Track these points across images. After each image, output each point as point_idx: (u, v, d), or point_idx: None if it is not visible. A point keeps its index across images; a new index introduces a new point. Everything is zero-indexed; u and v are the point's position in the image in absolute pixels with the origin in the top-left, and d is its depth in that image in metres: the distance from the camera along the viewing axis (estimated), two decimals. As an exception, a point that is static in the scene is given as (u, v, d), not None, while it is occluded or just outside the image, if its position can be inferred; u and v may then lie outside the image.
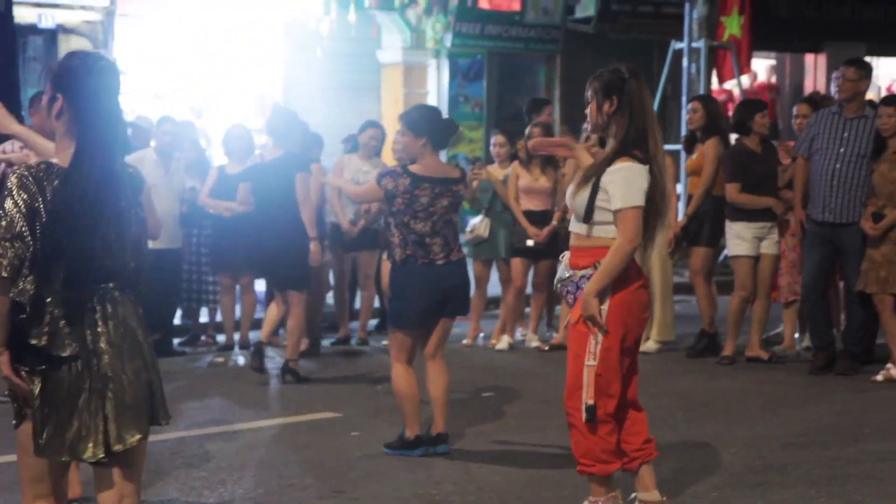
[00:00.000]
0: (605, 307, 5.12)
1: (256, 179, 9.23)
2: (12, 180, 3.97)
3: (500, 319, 10.97)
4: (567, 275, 5.28)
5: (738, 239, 9.73)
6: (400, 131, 6.92)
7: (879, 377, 8.94)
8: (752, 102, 10.54)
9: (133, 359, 4.10)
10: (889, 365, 8.98)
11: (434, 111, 6.99)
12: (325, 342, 11.11)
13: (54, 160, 4.05)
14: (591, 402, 5.11)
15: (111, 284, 4.08)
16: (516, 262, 10.63)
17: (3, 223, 3.93)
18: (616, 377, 5.17)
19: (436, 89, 19.01)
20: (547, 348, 10.59)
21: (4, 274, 3.91)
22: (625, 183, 5.06)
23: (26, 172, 3.99)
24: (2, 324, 3.94)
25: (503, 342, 10.72)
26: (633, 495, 5.42)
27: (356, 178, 10.57)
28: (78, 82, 4.05)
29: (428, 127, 6.77)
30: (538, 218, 10.53)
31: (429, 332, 6.85)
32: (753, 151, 9.74)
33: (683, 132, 11.96)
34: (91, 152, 4.03)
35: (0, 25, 11.82)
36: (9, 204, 3.94)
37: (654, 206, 5.15)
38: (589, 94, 5.23)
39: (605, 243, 5.16)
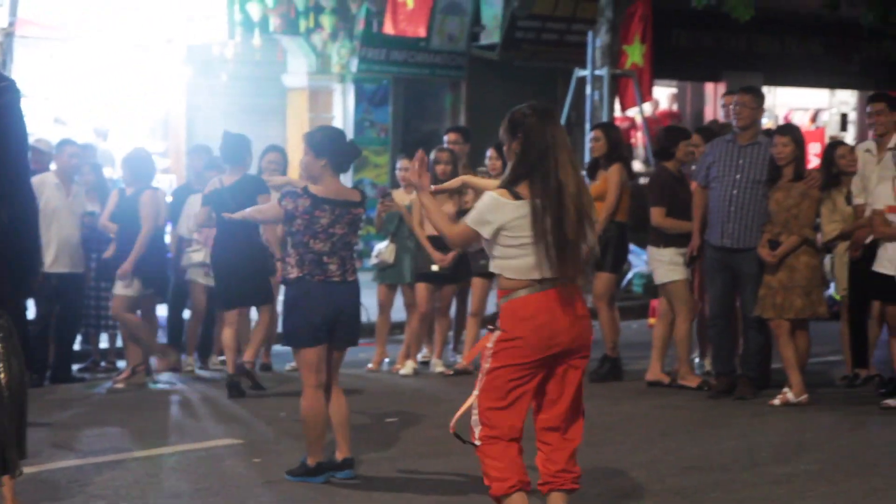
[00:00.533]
0: (493, 338, 5.20)
1: (216, 204, 9.29)
2: None
3: (405, 344, 10.97)
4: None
5: (672, 264, 9.75)
6: (304, 150, 6.93)
7: (776, 401, 9.09)
8: (677, 130, 10.66)
9: None
10: (785, 389, 9.14)
11: (338, 134, 6.98)
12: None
13: None
14: (474, 440, 5.24)
15: None
16: (420, 287, 10.65)
17: None
18: (501, 406, 5.20)
19: (341, 114, 19.00)
20: (451, 373, 10.61)
21: None
22: (476, 208, 5.24)
23: None
24: None
25: (407, 367, 10.71)
26: None
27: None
28: None
29: (330, 148, 6.78)
30: (443, 243, 10.56)
31: (329, 355, 6.84)
32: (677, 176, 9.89)
33: (587, 158, 12.09)
34: (22, 174, 3.98)
35: None
36: None
37: (554, 236, 5.13)
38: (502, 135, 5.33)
39: (502, 284, 5.24)
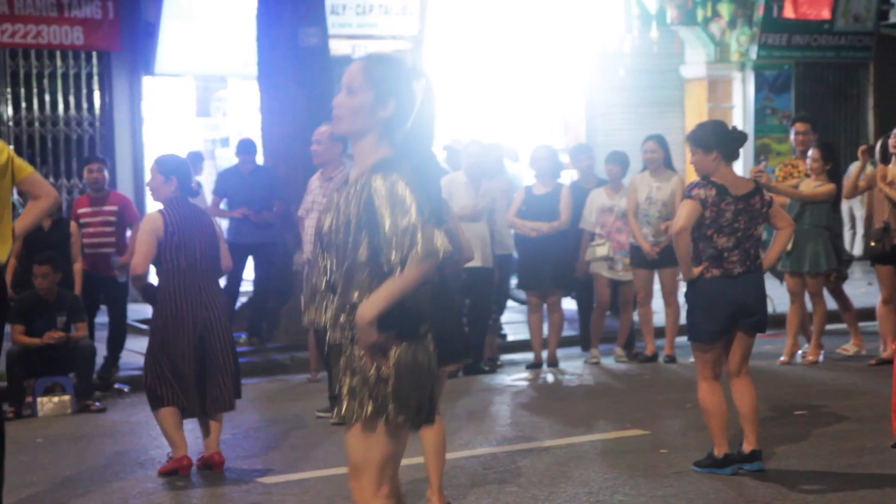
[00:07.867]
0: None
1: None
2: None
3: (815, 335, 10.66)
4: None
5: None
6: (691, 150, 6.84)
7: None
8: None
9: None
10: None
11: (720, 124, 6.89)
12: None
13: None
14: None
15: None
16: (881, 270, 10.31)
17: None
18: None
19: (741, 102, 18.69)
20: (874, 362, 10.22)
21: None
22: None
23: None
24: None
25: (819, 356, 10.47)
26: None
27: (650, 196, 10.62)
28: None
29: (716, 140, 6.70)
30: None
31: (728, 348, 6.77)
32: None
33: None
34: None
35: (317, 58, 12.42)
36: None
37: None
38: None
39: None
